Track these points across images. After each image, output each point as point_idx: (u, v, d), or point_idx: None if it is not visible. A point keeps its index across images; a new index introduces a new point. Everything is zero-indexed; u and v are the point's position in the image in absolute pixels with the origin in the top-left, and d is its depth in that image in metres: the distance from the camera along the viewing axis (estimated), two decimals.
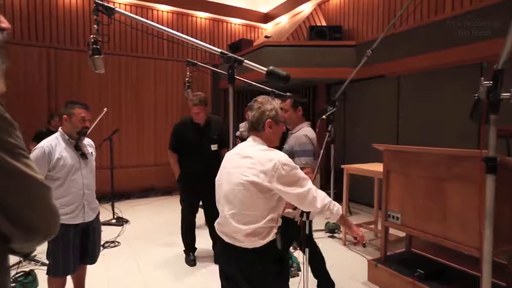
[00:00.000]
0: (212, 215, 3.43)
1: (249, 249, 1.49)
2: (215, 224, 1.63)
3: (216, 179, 1.67)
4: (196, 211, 3.49)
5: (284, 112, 2.62)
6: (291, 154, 2.39)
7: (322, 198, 1.54)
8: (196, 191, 3.33)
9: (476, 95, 1.44)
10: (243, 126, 4.43)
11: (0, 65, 0.69)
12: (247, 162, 1.51)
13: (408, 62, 4.69)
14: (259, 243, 1.48)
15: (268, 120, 1.60)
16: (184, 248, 3.48)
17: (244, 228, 1.48)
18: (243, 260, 1.51)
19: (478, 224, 2.19)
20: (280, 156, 1.51)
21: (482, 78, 1.40)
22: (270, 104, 1.62)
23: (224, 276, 1.63)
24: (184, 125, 3.39)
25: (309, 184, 1.53)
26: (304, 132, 2.52)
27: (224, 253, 1.59)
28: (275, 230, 1.53)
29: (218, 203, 1.63)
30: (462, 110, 3.99)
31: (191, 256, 3.42)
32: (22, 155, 0.64)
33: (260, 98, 1.66)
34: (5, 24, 0.71)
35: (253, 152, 1.54)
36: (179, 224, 3.46)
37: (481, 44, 3.73)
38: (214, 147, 3.33)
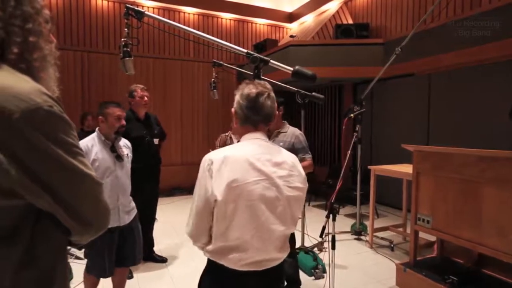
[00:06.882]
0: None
1: (279, 264, 1.29)
2: (238, 261, 1.20)
3: (226, 199, 1.18)
4: None
5: None
6: (293, 151, 2.43)
7: None
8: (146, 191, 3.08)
9: None
10: None
11: (54, 74, 0.77)
12: (284, 171, 1.24)
13: (440, 60, 4.50)
14: (287, 251, 1.32)
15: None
16: None
17: (287, 242, 1.30)
18: (273, 279, 1.30)
19: None
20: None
21: None
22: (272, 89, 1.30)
23: None
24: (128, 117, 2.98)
25: None
26: (298, 131, 2.73)
27: (254, 285, 1.25)
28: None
29: (234, 229, 1.19)
30: (499, 109, 3.78)
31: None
32: (78, 153, 0.68)
33: (262, 82, 1.29)
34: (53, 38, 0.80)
35: (282, 154, 1.29)
36: None
37: None
38: (156, 141, 3.24)
